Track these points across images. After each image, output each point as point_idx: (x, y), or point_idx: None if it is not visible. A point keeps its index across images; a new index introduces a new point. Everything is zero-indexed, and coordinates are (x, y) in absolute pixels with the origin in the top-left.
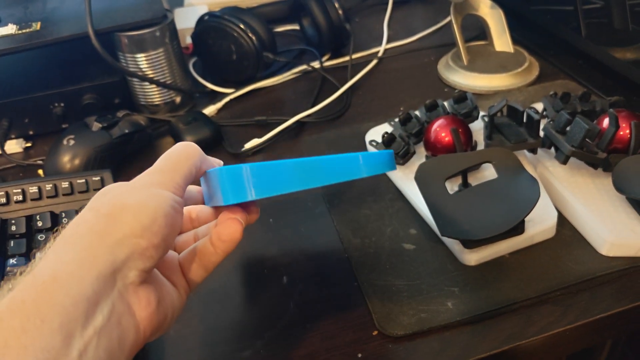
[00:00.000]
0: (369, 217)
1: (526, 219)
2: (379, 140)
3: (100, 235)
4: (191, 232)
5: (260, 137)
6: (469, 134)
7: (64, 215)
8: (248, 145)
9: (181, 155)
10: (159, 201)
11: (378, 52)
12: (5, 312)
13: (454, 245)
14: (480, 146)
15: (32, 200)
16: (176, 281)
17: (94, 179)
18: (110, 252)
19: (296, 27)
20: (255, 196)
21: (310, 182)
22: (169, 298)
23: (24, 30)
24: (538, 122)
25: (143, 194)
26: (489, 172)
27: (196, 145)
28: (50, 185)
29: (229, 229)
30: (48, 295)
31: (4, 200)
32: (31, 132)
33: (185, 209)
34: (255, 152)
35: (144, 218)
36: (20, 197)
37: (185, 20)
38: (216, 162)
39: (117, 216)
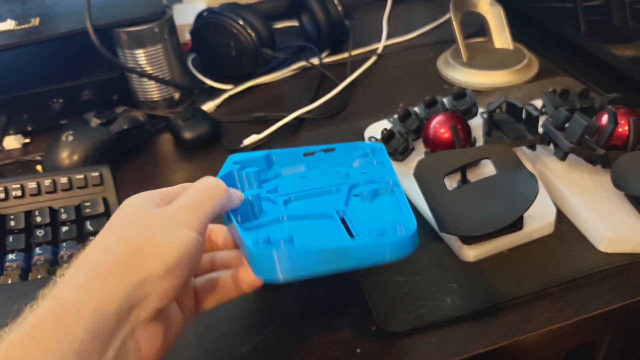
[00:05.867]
0: None
1: (525, 215)
2: (378, 136)
3: (126, 272)
4: (209, 255)
5: (259, 133)
6: (467, 130)
7: (62, 210)
8: (247, 141)
9: (210, 194)
10: (186, 243)
11: (377, 48)
12: (27, 339)
13: (452, 241)
14: (479, 142)
15: (30, 195)
16: (185, 304)
17: (92, 174)
18: (132, 290)
19: (295, 23)
20: (284, 280)
21: (339, 267)
22: (174, 326)
23: (22, 26)
24: (537, 118)
25: (172, 233)
26: (487, 169)
27: (223, 184)
28: (49, 180)
29: (251, 276)
30: (70, 329)
31: (2, 195)
32: (30, 128)
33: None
34: (255, 149)
35: (170, 259)
36: (19, 193)
37: (184, 16)
38: (237, 197)
39: (145, 253)
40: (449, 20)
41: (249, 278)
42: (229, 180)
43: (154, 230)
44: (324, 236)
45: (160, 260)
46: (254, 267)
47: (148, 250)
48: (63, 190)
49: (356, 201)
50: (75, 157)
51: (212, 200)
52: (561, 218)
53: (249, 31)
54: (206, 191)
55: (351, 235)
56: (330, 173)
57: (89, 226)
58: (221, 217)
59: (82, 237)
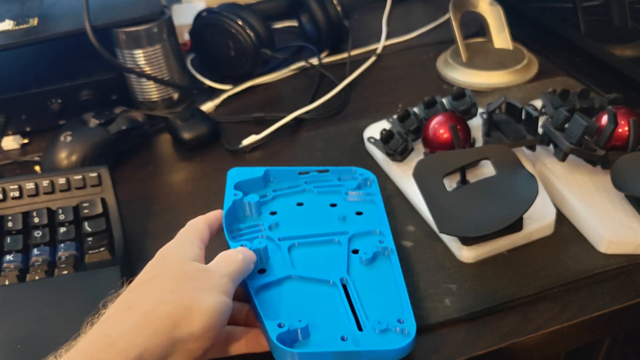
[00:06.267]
0: None
1: (524, 216)
2: (377, 137)
3: (174, 325)
4: None
5: (258, 133)
6: (467, 130)
7: (60, 211)
8: (246, 142)
9: (242, 265)
10: (223, 309)
11: (377, 48)
12: None
13: (452, 242)
14: (479, 143)
15: (28, 196)
16: None
17: (90, 175)
18: (173, 343)
19: (295, 23)
20: None
21: None
22: None
23: (21, 26)
24: (537, 119)
25: (215, 297)
26: (487, 169)
27: (250, 257)
28: (47, 181)
29: (264, 342)
30: None
31: (0, 196)
32: (28, 129)
33: None
34: (253, 149)
35: (209, 322)
36: (17, 194)
37: (183, 16)
38: (253, 262)
39: (192, 311)
40: (448, 21)
41: (263, 343)
42: (232, 209)
43: (202, 290)
44: (336, 326)
45: (203, 322)
46: (275, 354)
47: (195, 309)
48: (61, 190)
49: (356, 262)
50: (74, 158)
51: (243, 272)
52: (561, 219)
53: (248, 31)
54: (239, 263)
55: (359, 326)
56: (326, 206)
57: (87, 227)
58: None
59: (80, 238)
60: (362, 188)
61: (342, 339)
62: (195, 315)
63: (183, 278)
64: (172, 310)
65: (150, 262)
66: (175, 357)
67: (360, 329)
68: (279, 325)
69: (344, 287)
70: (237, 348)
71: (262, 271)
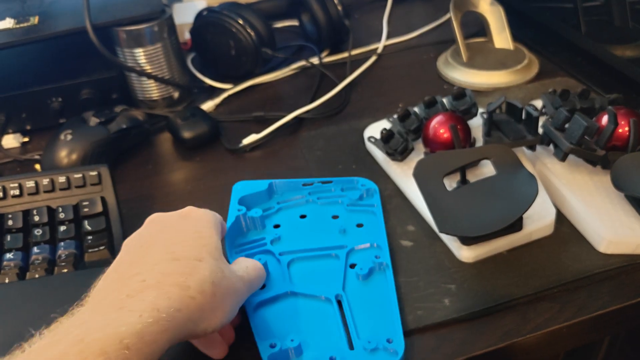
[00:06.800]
0: None
1: (524, 216)
2: (378, 136)
3: (200, 319)
4: None
5: (258, 133)
6: (467, 130)
7: (60, 209)
8: (246, 141)
9: (259, 280)
10: (232, 317)
11: (377, 48)
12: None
13: (451, 242)
14: (479, 143)
15: (29, 194)
16: None
17: (90, 174)
18: (192, 331)
19: (295, 22)
20: None
21: None
22: None
23: (21, 25)
24: (537, 119)
25: (233, 307)
26: (487, 169)
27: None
28: (47, 180)
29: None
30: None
31: (1, 194)
32: (28, 127)
33: None
34: (254, 149)
35: (220, 325)
36: (17, 192)
37: (184, 15)
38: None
39: (217, 313)
40: (449, 20)
41: (220, 353)
42: (235, 224)
43: (230, 294)
44: (326, 345)
45: (217, 324)
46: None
47: (219, 311)
48: (61, 189)
49: (352, 277)
50: (74, 156)
51: (258, 287)
52: (561, 219)
53: (249, 30)
54: (260, 278)
55: (351, 344)
56: (328, 217)
57: (86, 225)
58: None
59: (80, 237)
60: (364, 199)
61: (331, 359)
62: (216, 316)
63: (221, 274)
64: (206, 305)
65: (189, 229)
66: (185, 337)
67: (351, 347)
68: (271, 346)
69: (339, 303)
70: (199, 345)
71: (261, 287)
